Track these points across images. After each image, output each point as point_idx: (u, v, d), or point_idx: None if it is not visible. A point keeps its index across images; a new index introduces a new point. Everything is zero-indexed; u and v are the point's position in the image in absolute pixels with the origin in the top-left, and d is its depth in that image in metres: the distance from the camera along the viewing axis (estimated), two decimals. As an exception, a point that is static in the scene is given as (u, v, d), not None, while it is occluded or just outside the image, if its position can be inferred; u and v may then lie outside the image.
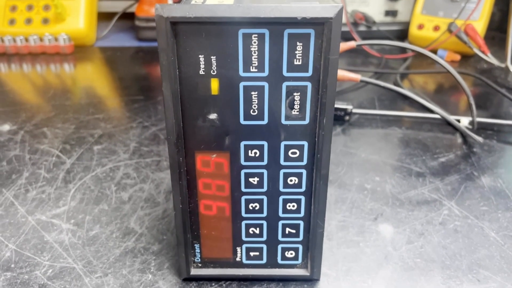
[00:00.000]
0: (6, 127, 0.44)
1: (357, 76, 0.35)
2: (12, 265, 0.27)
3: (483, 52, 0.57)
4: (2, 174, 0.36)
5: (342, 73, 0.34)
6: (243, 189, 0.23)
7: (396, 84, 0.53)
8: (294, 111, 0.21)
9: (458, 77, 0.37)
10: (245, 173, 0.23)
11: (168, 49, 0.20)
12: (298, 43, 0.20)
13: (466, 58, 0.63)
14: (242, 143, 0.22)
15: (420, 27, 0.64)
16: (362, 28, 0.69)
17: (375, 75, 0.57)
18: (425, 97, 0.49)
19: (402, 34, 0.69)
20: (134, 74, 0.60)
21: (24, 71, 0.61)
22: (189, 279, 0.26)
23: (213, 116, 0.21)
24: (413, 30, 0.65)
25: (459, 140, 0.42)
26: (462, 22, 0.59)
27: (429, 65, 0.61)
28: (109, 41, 0.72)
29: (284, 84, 0.21)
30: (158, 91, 0.54)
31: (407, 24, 0.68)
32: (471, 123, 0.40)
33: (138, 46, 0.71)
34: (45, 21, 0.65)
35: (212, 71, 0.20)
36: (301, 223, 0.24)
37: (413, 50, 0.38)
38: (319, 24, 0.19)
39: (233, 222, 0.24)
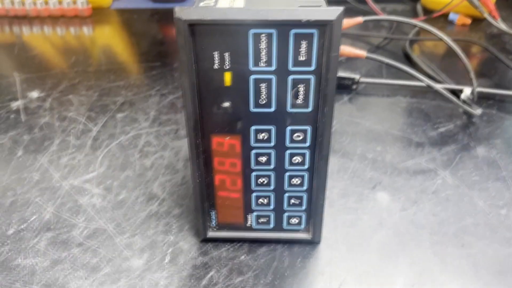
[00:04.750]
0: (35, 94, 0.47)
1: (363, 53, 0.36)
2: (52, 226, 0.31)
3: (493, 17, 0.58)
4: (36, 141, 0.40)
5: (348, 50, 0.36)
6: (253, 166, 0.26)
7: (404, 51, 0.54)
8: (299, 100, 0.24)
9: (455, 47, 0.39)
10: (255, 153, 0.26)
11: (186, 47, 0.22)
12: (302, 42, 0.22)
13: (477, 22, 0.63)
14: (252, 128, 0.25)
15: (433, -11, 0.64)
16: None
17: (385, 41, 0.58)
18: (431, 66, 0.50)
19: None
20: (151, 38, 0.62)
21: (45, 34, 0.64)
22: (206, 240, 0.29)
23: (226, 104, 0.24)
24: (426, -7, 0.65)
25: (461, 109, 0.44)
26: (475, -15, 0.59)
27: (440, 29, 0.62)
28: (125, 2, 0.73)
29: (290, 77, 0.23)
30: (174, 57, 0.56)
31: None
32: (472, 93, 0.42)
33: (153, 8, 0.72)
34: (63, -16, 0.67)
35: (225, 65, 0.23)
36: (304, 195, 0.27)
37: (415, 25, 0.39)
38: (321, 25, 0.21)
39: (244, 194, 0.27)
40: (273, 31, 0.22)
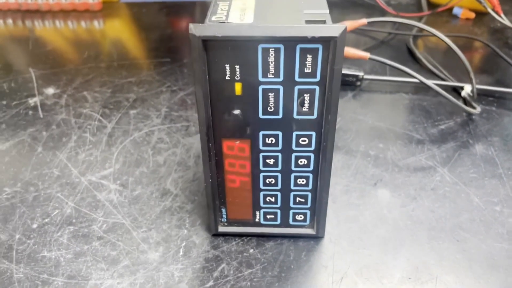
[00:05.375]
0: (51, 90, 0.49)
1: (366, 55, 0.38)
2: (73, 220, 0.33)
3: (496, 12, 0.59)
4: (54, 138, 0.42)
5: (352, 52, 0.37)
6: (261, 168, 0.28)
7: (408, 46, 0.55)
8: (304, 108, 0.25)
9: (454, 47, 0.40)
10: (263, 156, 0.28)
11: (200, 60, 0.24)
12: (308, 55, 0.24)
13: (481, 16, 0.64)
14: (261, 133, 0.27)
15: (438, -16, 0.65)
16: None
17: (390, 36, 0.59)
18: (434, 62, 0.52)
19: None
20: (160, 33, 0.63)
21: (57, 29, 0.65)
22: (217, 234, 0.32)
23: (237, 111, 0.26)
24: (431, -13, 0.66)
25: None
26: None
27: (444, 24, 0.63)
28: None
29: (296, 87, 0.25)
30: (183, 53, 0.58)
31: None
32: (472, 91, 0.44)
33: (162, 2, 0.73)
34: (74, -22, 0.68)
35: (236, 77, 0.25)
36: (309, 194, 0.29)
37: (425, 30, 0.40)
38: (326, 41, 0.23)
39: (253, 193, 0.29)
40: (280, 46, 0.23)
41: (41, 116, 0.45)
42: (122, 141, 0.41)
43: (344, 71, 0.47)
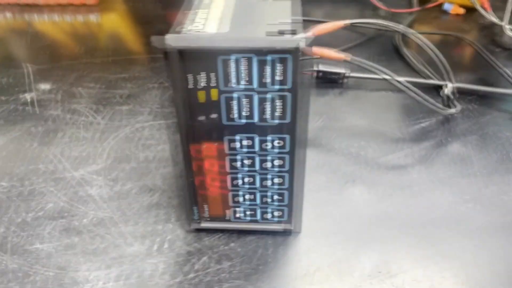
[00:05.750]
0: (47, 86, 0.51)
1: (347, 56, 0.39)
2: (66, 214, 0.35)
3: (485, 9, 0.59)
4: (49, 133, 0.44)
5: (331, 54, 0.39)
6: (239, 168, 0.30)
7: (395, 45, 0.56)
8: (277, 113, 0.27)
9: (429, 44, 0.41)
10: (241, 157, 0.29)
11: (176, 69, 0.25)
12: (279, 64, 0.25)
13: (472, 12, 0.65)
14: (238, 136, 0.28)
15: (429, -21, 0.65)
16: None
17: (379, 32, 0.60)
18: (420, 60, 0.53)
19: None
20: (155, 28, 0.64)
21: (54, 23, 0.67)
22: (200, 230, 0.33)
23: (214, 115, 0.27)
24: (422, -18, 0.66)
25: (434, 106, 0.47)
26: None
27: (433, 19, 0.64)
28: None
29: (269, 94, 0.26)
30: (177, 48, 0.59)
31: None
32: (452, 91, 0.45)
33: (159, -5, 0.74)
34: (71, -28, 0.69)
35: (211, 83, 0.26)
36: (286, 192, 0.31)
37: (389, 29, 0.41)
38: (287, 52, 0.25)
39: (232, 192, 0.31)
40: (252, 55, 0.25)
41: (37, 111, 0.47)
42: (114, 137, 0.43)
43: (328, 69, 0.48)
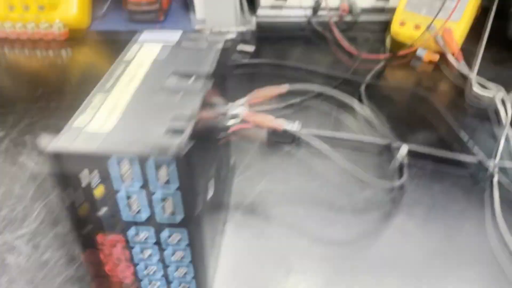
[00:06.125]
0: (-4, 133, 0.50)
1: (284, 88, 0.37)
2: (-22, 286, 0.34)
3: (456, 59, 0.57)
4: (-16, 189, 0.43)
5: (270, 92, 0.36)
6: (140, 257, 0.28)
7: (359, 98, 0.54)
8: (167, 211, 0.26)
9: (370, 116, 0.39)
10: (140, 248, 0.28)
11: (58, 172, 0.24)
12: (162, 165, 0.24)
13: (445, 59, 0.62)
14: (133, 228, 0.27)
15: (402, 23, 0.63)
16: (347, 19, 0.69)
17: (341, 82, 0.57)
18: (380, 116, 0.50)
19: (387, 27, 0.68)
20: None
21: (22, 59, 0.66)
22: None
23: (104, 210, 0.26)
24: (395, 26, 0.64)
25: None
26: (443, 22, 0.59)
27: (403, 67, 0.61)
28: (103, 24, 0.75)
29: (159, 192, 0.25)
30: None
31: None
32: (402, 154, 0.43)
33: (131, 30, 0.73)
34: (41, 7, 0.69)
35: (96, 181, 0.25)
36: (193, 281, 0.29)
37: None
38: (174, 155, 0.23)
39: (136, 278, 0.30)
40: (134, 156, 0.23)
41: (-21, 163, 0.46)
42: (47, 195, 0.42)
43: (278, 130, 0.46)
